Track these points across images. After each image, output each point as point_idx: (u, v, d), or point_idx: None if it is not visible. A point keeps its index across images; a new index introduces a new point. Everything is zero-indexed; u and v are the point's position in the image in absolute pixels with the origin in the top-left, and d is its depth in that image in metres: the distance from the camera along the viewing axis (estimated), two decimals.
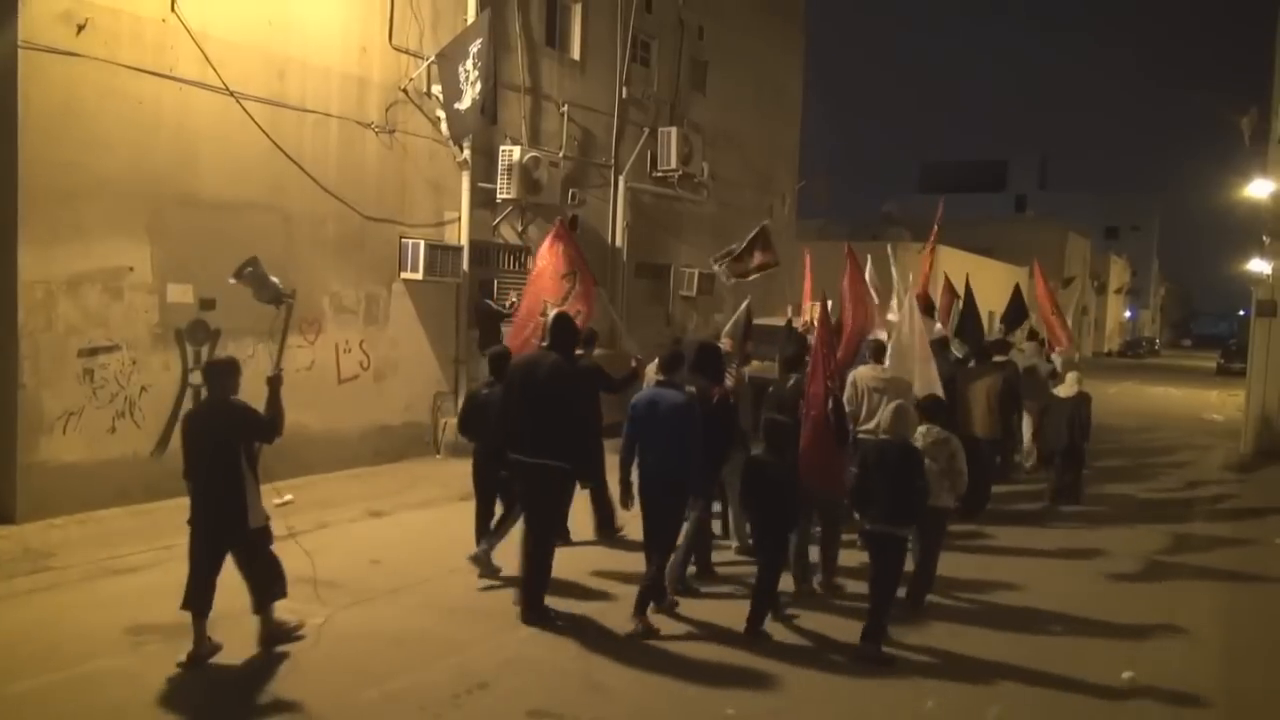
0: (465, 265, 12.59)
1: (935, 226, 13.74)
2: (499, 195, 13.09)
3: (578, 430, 6.73)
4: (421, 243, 11.84)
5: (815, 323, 9.90)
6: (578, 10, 14.86)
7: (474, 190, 12.78)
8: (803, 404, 7.30)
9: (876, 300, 11.00)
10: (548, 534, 6.70)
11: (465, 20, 12.22)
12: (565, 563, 7.16)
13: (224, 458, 5.57)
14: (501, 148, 13.01)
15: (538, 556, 6.56)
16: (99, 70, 8.63)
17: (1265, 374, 16.78)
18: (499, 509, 7.71)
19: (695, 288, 17.66)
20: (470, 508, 7.92)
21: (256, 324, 10.21)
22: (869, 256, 12.34)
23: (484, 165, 12.93)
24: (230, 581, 7.21)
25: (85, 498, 8.64)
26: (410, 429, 12.21)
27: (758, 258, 12.31)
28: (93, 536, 8.10)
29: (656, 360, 7.27)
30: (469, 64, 11.63)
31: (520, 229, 13.80)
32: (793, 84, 21.89)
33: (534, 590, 6.55)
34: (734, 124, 18.95)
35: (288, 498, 9.65)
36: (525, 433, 6.48)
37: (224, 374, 5.75)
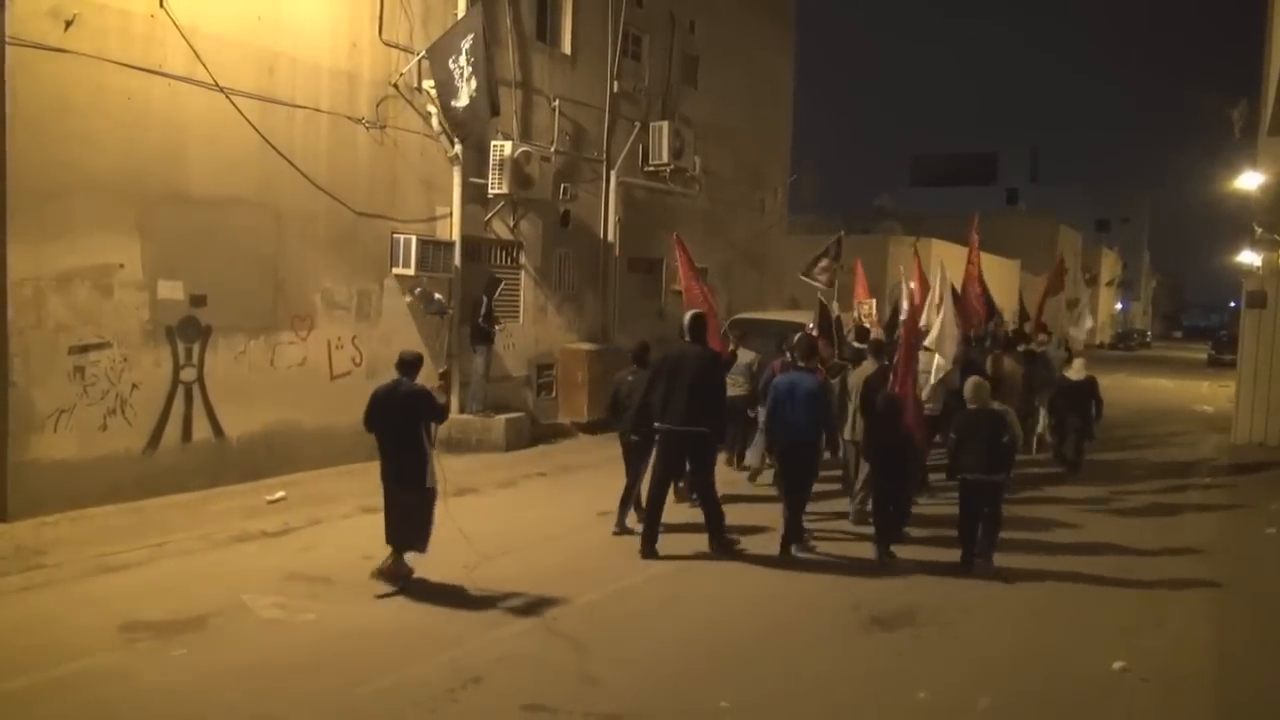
0: (457, 260, 12.57)
1: (974, 235, 15.52)
2: (490, 190, 13.07)
3: (717, 404, 8.42)
4: (413, 238, 11.82)
5: (872, 319, 13.91)
6: (569, 5, 14.82)
7: (465, 185, 12.76)
8: (891, 382, 8.91)
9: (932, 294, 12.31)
10: (708, 483, 8.36)
11: (455, 15, 12.18)
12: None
13: (410, 429, 6.94)
14: (493, 143, 12.98)
15: (709, 503, 8.34)
16: (87, 66, 8.58)
17: (1255, 365, 16.86)
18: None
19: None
20: (464, 502, 7.95)
21: (246, 320, 10.23)
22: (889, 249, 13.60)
23: (475, 160, 12.91)
24: (232, 581, 7.22)
25: (77, 495, 8.62)
26: None
27: (824, 263, 13.14)
28: (85, 534, 8.08)
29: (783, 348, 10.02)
30: (462, 60, 11.61)
31: (512, 224, 13.79)
32: (783, 78, 21.90)
33: (716, 526, 8.35)
34: (725, 118, 18.95)
35: (280, 494, 9.69)
36: (674, 406, 8.06)
37: (413, 365, 7.18)
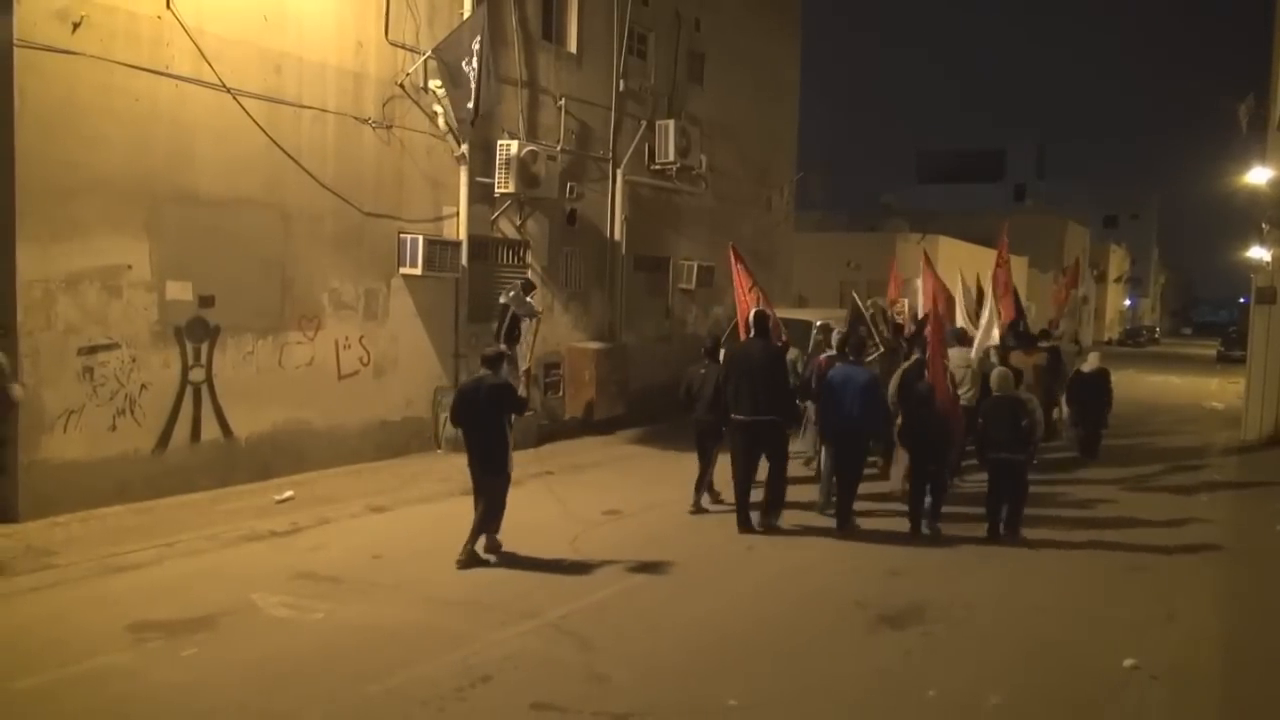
0: (464, 260, 12.58)
1: (1004, 239, 16.10)
2: (497, 189, 13.07)
3: (785, 394, 9.31)
4: (420, 238, 11.83)
5: (905, 317, 14.76)
6: (574, 3, 14.80)
7: (472, 185, 12.76)
8: (926, 373, 9.65)
9: (950, 293, 13.64)
10: (781, 466, 9.18)
11: (461, 15, 12.19)
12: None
13: (495, 420, 7.62)
14: (499, 142, 12.99)
15: (777, 482, 9.17)
16: (95, 67, 8.61)
17: (1265, 361, 16.77)
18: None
19: (694, 280, 17.65)
20: (470, 502, 7.97)
21: (254, 320, 10.25)
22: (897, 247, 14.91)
23: (482, 160, 12.91)
24: (241, 581, 7.25)
25: (87, 495, 8.65)
26: (411, 424, 12.22)
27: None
28: (95, 534, 8.11)
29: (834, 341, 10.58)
30: (474, 61, 11.60)
31: (518, 223, 13.79)
32: (790, 75, 21.84)
33: (775, 502, 9.17)
34: (731, 116, 18.91)
35: (288, 494, 9.71)
36: (745, 399, 8.88)
37: (497, 361, 7.87)
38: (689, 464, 10.07)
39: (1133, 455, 14.27)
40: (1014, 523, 8.98)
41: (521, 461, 12.06)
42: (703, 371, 9.73)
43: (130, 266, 9.02)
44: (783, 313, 16.48)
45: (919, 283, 14.30)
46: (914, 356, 10.63)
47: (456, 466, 11.40)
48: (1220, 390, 26.10)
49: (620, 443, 13.75)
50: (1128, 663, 6.06)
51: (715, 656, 6.08)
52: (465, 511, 7.96)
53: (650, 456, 13.05)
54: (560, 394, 14.59)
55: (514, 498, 7.98)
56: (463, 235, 12.67)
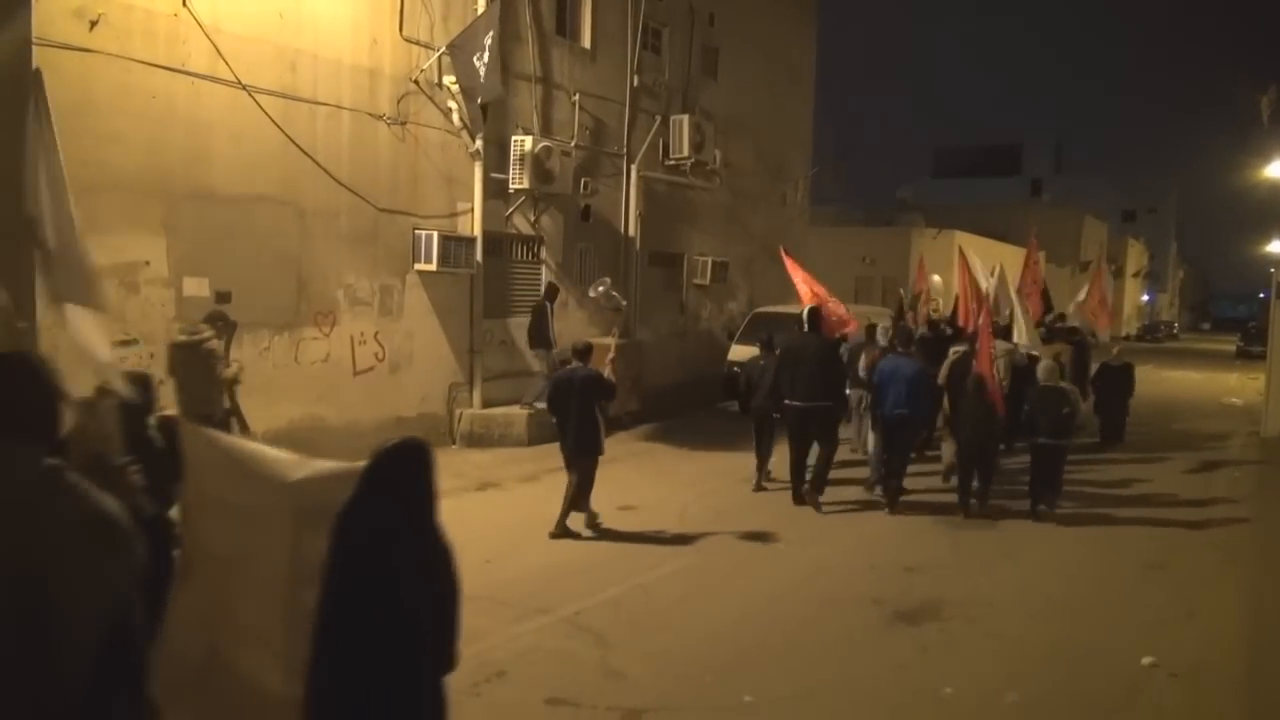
0: (479, 256, 12.60)
1: (1033, 241, 16.45)
2: (511, 185, 13.08)
3: (837, 382, 10.17)
4: (435, 234, 11.86)
5: (939, 313, 15.92)
6: None
7: (486, 181, 12.77)
8: (974, 364, 10.12)
9: (985, 289, 13.87)
10: (831, 449, 9.96)
11: (475, 10, 12.19)
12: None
13: (588, 406, 8.33)
14: (513, 138, 13.00)
15: (825, 465, 9.91)
16: (112, 66, 8.65)
17: None
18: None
19: (709, 276, 17.62)
20: (486, 497, 7.98)
21: (270, 317, 10.29)
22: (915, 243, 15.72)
23: (496, 156, 12.92)
24: None
25: None
26: (426, 420, 12.24)
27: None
28: None
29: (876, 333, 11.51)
30: (487, 57, 11.61)
31: (533, 219, 13.80)
32: (805, 69, 21.75)
33: (819, 479, 9.83)
34: (746, 110, 18.86)
35: None
36: (799, 387, 9.71)
37: (587, 353, 8.68)
38: (703, 460, 10.10)
39: (1154, 443, 14.57)
40: (1053, 500, 9.80)
41: (537, 457, 12.11)
42: (761, 363, 10.66)
43: (148, 263, 9.07)
44: (797, 308, 16.56)
45: (935, 278, 15.14)
46: (963, 348, 11.29)
47: (471, 462, 11.47)
48: (1240, 386, 25.85)
49: (634, 438, 13.73)
50: (1146, 660, 6.01)
51: (731, 652, 6.07)
52: (482, 507, 7.99)
53: (665, 452, 13.04)
54: None
55: (529, 493, 8.05)
56: (477, 231, 12.68)
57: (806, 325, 10.25)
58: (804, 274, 12.25)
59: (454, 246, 12.04)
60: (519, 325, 13.49)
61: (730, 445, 12.36)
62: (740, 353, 15.97)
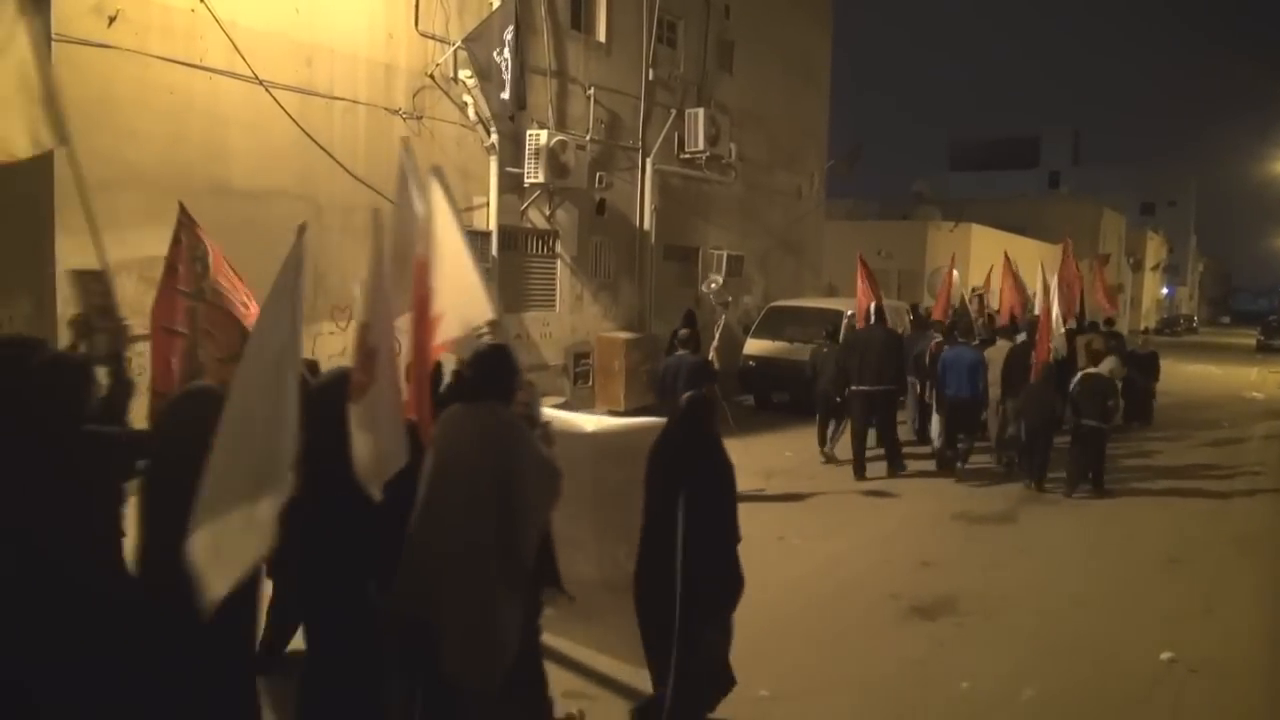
0: (494, 250, 12.61)
1: (1068, 242, 16.43)
2: (526, 180, 13.08)
3: (899, 369, 11.64)
4: None
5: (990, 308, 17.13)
6: None
7: (501, 175, 12.78)
8: (1033, 355, 11.11)
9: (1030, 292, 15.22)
10: (892, 427, 11.40)
11: (491, 4, 12.19)
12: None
13: (697, 389, 9.24)
14: (529, 132, 12.99)
15: (891, 442, 11.32)
16: (130, 61, 8.70)
17: None
18: None
19: (724, 270, 17.57)
20: None
21: None
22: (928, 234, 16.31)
23: (511, 150, 12.92)
24: None
25: None
26: None
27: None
28: None
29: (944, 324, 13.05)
30: (506, 51, 11.61)
31: (548, 213, 13.80)
32: (821, 62, 21.64)
33: (893, 456, 11.32)
34: (761, 104, 18.79)
35: None
36: (865, 373, 10.97)
37: (692, 340, 9.45)
38: None
39: (1177, 430, 15.12)
40: (1099, 478, 10.71)
41: None
42: (825, 351, 11.90)
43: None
44: (812, 303, 16.58)
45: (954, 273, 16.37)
46: (1022, 339, 12.29)
47: None
48: (1260, 380, 25.63)
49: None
50: (1165, 656, 5.98)
51: (747, 646, 6.03)
52: None
53: None
54: (590, 384, 14.61)
55: None
56: (492, 225, 12.70)
57: (873, 318, 11.95)
58: (871, 281, 13.60)
59: (469, 241, 12.02)
60: (534, 320, 13.51)
61: (745, 439, 12.34)
62: (756, 346, 15.95)
